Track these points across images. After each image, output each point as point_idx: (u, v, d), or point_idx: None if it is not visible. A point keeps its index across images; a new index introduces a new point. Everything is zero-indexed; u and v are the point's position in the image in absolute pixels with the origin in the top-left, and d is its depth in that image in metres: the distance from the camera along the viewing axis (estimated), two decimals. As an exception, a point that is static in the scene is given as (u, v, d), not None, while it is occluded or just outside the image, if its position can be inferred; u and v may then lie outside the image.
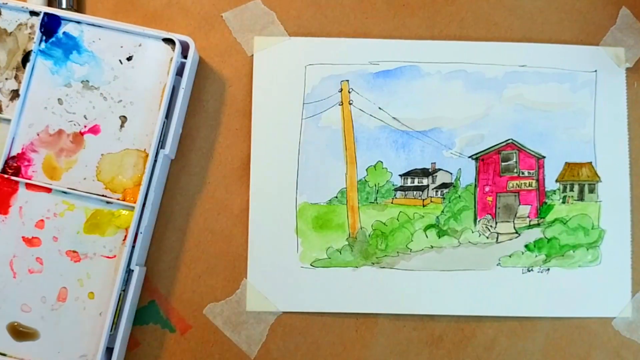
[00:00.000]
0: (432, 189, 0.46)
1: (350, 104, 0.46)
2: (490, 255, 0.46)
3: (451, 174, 0.46)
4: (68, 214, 0.42)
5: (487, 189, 0.46)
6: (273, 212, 0.45)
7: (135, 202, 0.42)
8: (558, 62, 0.47)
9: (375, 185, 0.46)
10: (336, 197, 0.46)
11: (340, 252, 0.45)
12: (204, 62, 0.46)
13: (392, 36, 0.47)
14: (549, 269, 0.46)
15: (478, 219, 0.46)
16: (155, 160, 0.42)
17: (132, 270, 0.42)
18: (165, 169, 0.44)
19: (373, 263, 0.45)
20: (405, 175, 0.46)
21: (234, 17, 0.46)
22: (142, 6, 0.46)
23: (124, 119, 0.42)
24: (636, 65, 0.47)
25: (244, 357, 0.45)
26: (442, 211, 0.46)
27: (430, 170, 0.46)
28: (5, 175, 0.42)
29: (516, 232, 0.46)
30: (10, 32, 0.42)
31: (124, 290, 0.42)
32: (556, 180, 0.46)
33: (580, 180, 0.46)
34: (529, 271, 0.46)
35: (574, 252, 0.46)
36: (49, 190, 0.42)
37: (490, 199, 0.46)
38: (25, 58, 0.42)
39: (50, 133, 0.42)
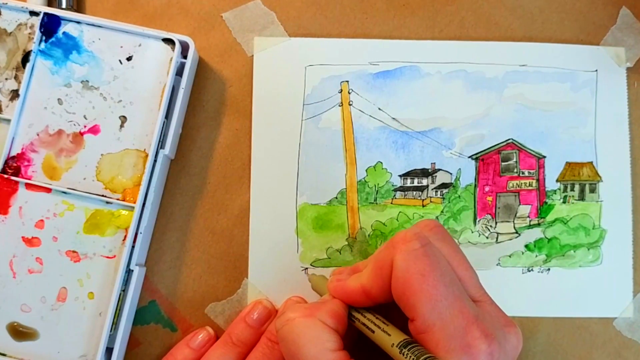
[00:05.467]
0: (432, 189, 0.46)
1: (350, 104, 0.46)
2: (490, 255, 0.45)
3: (451, 174, 0.46)
4: (68, 214, 0.42)
5: (487, 189, 0.46)
6: (273, 212, 0.45)
7: (135, 202, 0.42)
8: (558, 61, 0.47)
9: (375, 186, 0.46)
10: (336, 197, 0.45)
11: (340, 252, 0.45)
12: (204, 62, 0.46)
13: (392, 36, 0.47)
14: (549, 269, 0.46)
15: (478, 219, 0.46)
16: (155, 160, 0.42)
17: (132, 270, 0.42)
18: (165, 169, 0.44)
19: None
20: (405, 175, 0.46)
21: (234, 17, 0.46)
22: (142, 6, 0.46)
23: (123, 119, 0.43)
24: (637, 65, 0.47)
25: (244, 357, 0.44)
26: (442, 211, 0.46)
27: (430, 171, 0.46)
28: (5, 175, 0.42)
29: (516, 232, 0.46)
30: (10, 32, 0.42)
31: (123, 290, 0.42)
32: (557, 180, 0.46)
33: (581, 180, 0.46)
34: (529, 271, 0.46)
35: (574, 252, 0.46)
36: (48, 190, 0.42)
37: (490, 199, 0.46)
38: (25, 58, 0.42)
39: (50, 133, 0.42)
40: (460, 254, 0.35)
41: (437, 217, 0.46)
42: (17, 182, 0.42)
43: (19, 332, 0.42)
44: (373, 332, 0.34)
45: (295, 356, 0.33)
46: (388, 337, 0.33)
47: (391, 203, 0.46)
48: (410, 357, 0.30)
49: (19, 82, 0.42)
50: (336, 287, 0.36)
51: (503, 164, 0.46)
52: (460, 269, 0.34)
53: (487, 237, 0.46)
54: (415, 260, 0.32)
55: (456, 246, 0.36)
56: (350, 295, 0.35)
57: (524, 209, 0.46)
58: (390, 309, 0.35)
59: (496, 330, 0.32)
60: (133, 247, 0.42)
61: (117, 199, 0.42)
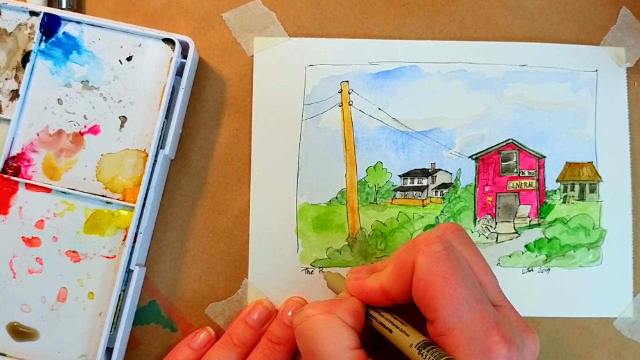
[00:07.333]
0: (432, 189, 0.46)
1: (350, 104, 0.46)
2: (490, 255, 0.45)
3: (451, 174, 0.46)
4: (68, 214, 0.42)
5: (487, 189, 0.46)
6: (273, 212, 0.45)
7: (135, 202, 0.42)
8: (559, 61, 0.47)
9: (375, 186, 0.46)
10: (336, 197, 0.45)
11: (340, 253, 0.45)
12: (204, 62, 0.46)
13: (392, 36, 0.47)
14: (549, 269, 0.46)
15: (478, 219, 0.46)
16: (155, 160, 0.42)
17: (132, 270, 0.42)
18: (165, 169, 0.44)
19: (372, 263, 0.45)
20: (405, 175, 0.46)
21: (234, 17, 0.46)
22: (142, 6, 0.46)
23: (123, 119, 0.43)
24: (637, 65, 0.47)
25: (244, 357, 0.44)
26: (442, 211, 0.46)
27: (430, 171, 0.46)
28: (5, 176, 0.42)
29: (516, 232, 0.46)
30: (10, 32, 0.42)
31: (123, 290, 0.42)
32: (557, 180, 0.46)
33: (581, 180, 0.46)
34: (529, 271, 0.46)
35: (574, 252, 0.46)
36: (48, 190, 0.42)
37: (490, 199, 0.46)
38: (25, 58, 0.42)
39: (50, 133, 0.42)
40: (481, 258, 0.35)
41: (437, 217, 0.46)
42: (17, 182, 0.42)
43: (19, 332, 0.42)
44: (391, 331, 0.34)
45: (313, 353, 0.33)
46: (406, 337, 0.33)
47: (391, 203, 0.46)
48: (430, 358, 0.30)
49: (19, 82, 0.42)
50: (354, 285, 0.36)
51: (503, 164, 0.46)
52: (481, 273, 0.34)
53: (487, 237, 0.46)
54: (438, 263, 0.32)
55: (477, 250, 0.36)
56: (368, 295, 0.35)
57: (524, 209, 0.46)
58: (405, 310, 0.35)
59: (515, 336, 0.32)
60: (133, 247, 0.42)
61: (117, 199, 0.42)
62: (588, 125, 0.47)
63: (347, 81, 0.46)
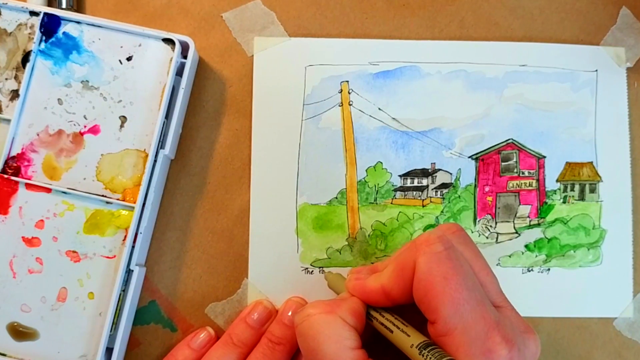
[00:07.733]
0: (432, 189, 0.46)
1: (350, 104, 0.46)
2: (489, 255, 0.45)
3: (451, 174, 0.46)
4: (68, 214, 0.42)
5: (487, 189, 0.46)
6: (273, 212, 0.45)
7: (135, 202, 0.42)
8: (559, 61, 0.47)
9: (375, 186, 0.46)
10: (336, 197, 0.45)
11: (340, 252, 0.45)
12: (204, 62, 0.46)
13: (392, 36, 0.47)
14: (549, 269, 0.46)
15: (478, 219, 0.46)
16: (155, 160, 0.42)
17: (132, 270, 0.42)
18: (165, 169, 0.44)
19: (372, 263, 0.45)
20: (405, 175, 0.46)
21: (234, 17, 0.46)
22: (142, 6, 0.46)
23: (123, 119, 0.43)
24: (637, 65, 0.47)
25: (244, 358, 0.44)
26: (442, 211, 0.46)
27: (430, 171, 0.46)
28: (5, 176, 0.42)
29: (516, 232, 0.46)
30: (10, 32, 0.42)
31: (123, 290, 0.42)
32: (557, 180, 0.46)
33: (581, 180, 0.46)
34: (529, 271, 0.46)
35: (574, 252, 0.46)
36: (48, 190, 0.42)
37: (490, 199, 0.46)
38: (25, 58, 0.42)
39: (50, 133, 0.42)
40: (481, 259, 0.35)
41: (437, 217, 0.46)
42: (17, 182, 0.42)
43: (19, 332, 0.42)
44: (391, 332, 0.34)
45: (314, 352, 0.33)
46: (407, 337, 0.33)
47: (391, 203, 0.46)
48: (431, 358, 0.30)
49: (19, 82, 0.42)
50: (355, 285, 0.36)
51: (503, 164, 0.46)
52: (482, 273, 0.34)
53: (487, 237, 0.46)
54: (439, 263, 0.32)
55: (478, 251, 0.36)
56: (369, 295, 0.35)
57: (524, 209, 0.46)
58: (406, 310, 0.35)
59: (516, 336, 0.32)
60: (133, 247, 0.42)
61: (117, 199, 0.42)
62: (588, 125, 0.47)
63: (347, 81, 0.46)
